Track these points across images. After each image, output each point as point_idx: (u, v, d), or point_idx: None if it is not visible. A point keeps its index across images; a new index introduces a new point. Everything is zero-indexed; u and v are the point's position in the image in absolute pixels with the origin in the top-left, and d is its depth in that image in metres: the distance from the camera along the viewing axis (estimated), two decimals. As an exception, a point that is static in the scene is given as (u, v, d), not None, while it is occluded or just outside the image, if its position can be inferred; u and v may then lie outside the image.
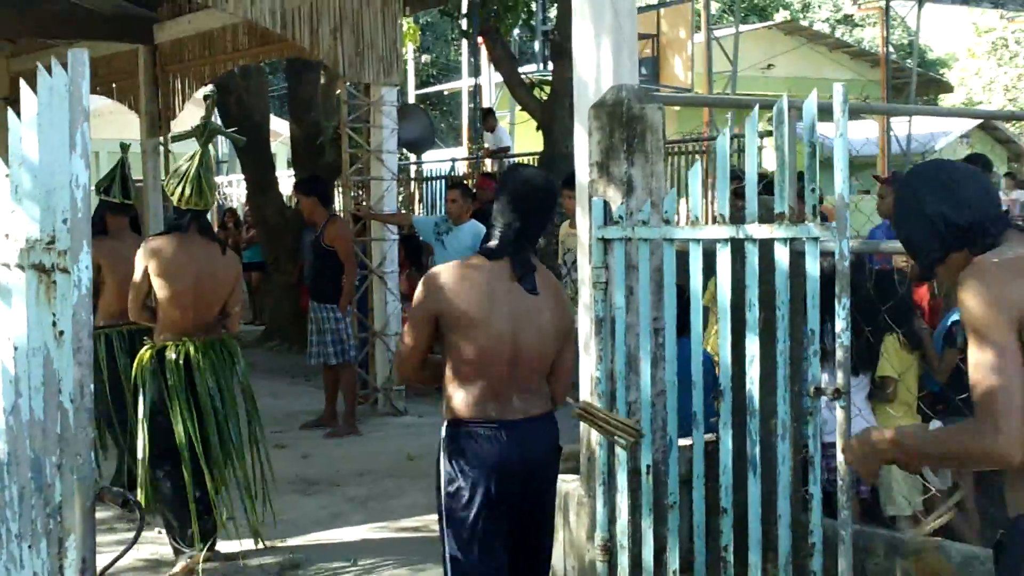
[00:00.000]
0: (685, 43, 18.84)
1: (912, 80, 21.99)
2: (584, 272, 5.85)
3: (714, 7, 24.85)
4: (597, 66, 5.77)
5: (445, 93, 32.42)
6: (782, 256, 4.40)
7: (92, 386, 3.00)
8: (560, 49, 11.17)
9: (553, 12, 15.34)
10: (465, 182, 13.61)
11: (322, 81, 15.51)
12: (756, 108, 4.57)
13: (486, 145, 17.63)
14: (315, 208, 9.37)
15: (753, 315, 4.50)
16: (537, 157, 15.27)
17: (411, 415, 10.07)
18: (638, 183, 5.11)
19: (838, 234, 4.22)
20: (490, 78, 23.68)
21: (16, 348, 3.32)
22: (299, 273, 14.48)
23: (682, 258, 4.79)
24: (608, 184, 5.14)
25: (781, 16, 36.46)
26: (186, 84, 13.03)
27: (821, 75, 25.45)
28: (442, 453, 3.93)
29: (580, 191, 5.89)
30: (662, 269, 4.86)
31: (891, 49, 26.19)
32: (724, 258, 4.60)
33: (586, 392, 5.36)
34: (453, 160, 17.52)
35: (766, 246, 4.46)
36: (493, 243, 3.93)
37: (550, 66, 19.48)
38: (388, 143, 10.16)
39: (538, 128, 11.70)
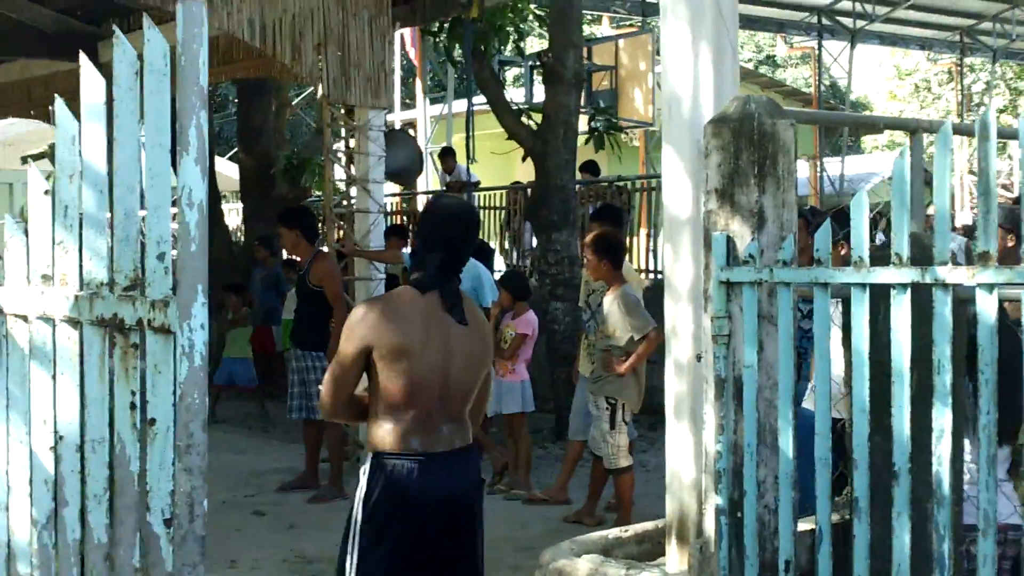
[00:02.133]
0: (646, 75, 18.00)
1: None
2: (678, 321, 4.97)
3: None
4: (695, 76, 4.91)
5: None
6: (987, 306, 3.54)
7: (205, 503, 2.02)
8: (553, 73, 10.28)
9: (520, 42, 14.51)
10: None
11: (273, 108, 14.51)
12: (948, 123, 3.72)
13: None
14: (299, 242, 8.28)
15: (943, 380, 3.63)
16: (513, 189, 14.41)
17: (397, 473, 8.97)
18: (770, 215, 4.22)
19: (1071, 280, 3.37)
20: (425, 111, 22.75)
21: (61, 437, 2.32)
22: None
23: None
24: (732, 216, 4.24)
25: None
26: (134, 107, 11.86)
27: (759, 114, 25.03)
28: (363, 486, 3.77)
29: (673, 224, 5.02)
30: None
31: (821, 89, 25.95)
32: (903, 308, 3.72)
33: (694, 468, 4.45)
34: (415, 193, 16.49)
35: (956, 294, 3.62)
36: (422, 275, 3.84)
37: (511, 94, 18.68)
38: (375, 172, 9.12)
39: (524, 158, 10.78)
